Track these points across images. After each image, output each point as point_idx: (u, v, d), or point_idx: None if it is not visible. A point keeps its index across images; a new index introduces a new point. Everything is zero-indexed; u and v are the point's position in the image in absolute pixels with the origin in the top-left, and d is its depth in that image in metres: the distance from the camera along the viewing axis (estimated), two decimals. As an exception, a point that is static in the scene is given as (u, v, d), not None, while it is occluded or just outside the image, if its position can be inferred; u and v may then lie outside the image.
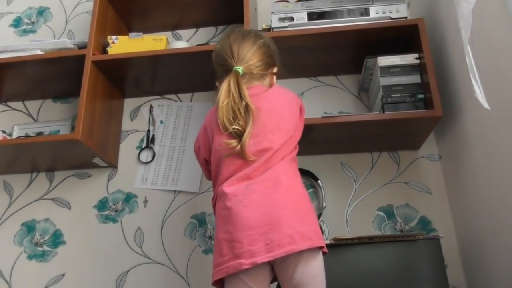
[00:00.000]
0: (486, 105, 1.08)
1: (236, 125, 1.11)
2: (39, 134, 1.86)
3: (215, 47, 1.29)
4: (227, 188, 1.10)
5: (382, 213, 1.60)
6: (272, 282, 1.11)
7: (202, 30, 1.98)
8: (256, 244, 1.02)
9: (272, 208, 1.05)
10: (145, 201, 1.76)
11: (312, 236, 1.04)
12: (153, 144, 1.83)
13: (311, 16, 1.57)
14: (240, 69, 1.16)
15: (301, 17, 1.58)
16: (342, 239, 1.29)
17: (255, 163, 1.10)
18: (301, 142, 1.24)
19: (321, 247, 1.08)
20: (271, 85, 1.25)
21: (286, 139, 1.15)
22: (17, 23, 2.15)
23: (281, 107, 1.19)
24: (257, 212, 1.05)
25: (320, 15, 1.57)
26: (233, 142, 1.11)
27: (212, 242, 1.66)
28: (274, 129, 1.14)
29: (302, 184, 1.17)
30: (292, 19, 1.58)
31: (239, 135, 1.12)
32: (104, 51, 1.72)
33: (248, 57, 1.19)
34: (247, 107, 1.12)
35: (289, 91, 1.28)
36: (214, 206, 1.19)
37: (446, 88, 1.48)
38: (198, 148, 1.27)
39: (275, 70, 1.26)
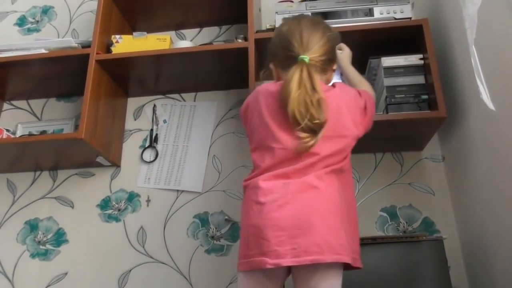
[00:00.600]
0: (491, 106, 1.07)
1: (310, 120, 1.04)
2: (43, 132, 1.86)
3: (278, 29, 1.23)
4: (264, 183, 1.07)
5: (385, 214, 1.60)
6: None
7: (205, 30, 1.98)
8: (284, 246, 1.00)
9: (305, 212, 1.02)
10: (148, 200, 1.76)
11: (340, 250, 1.01)
12: (156, 143, 1.84)
13: (315, 16, 1.57)
14: (307, 58, 1.08)
15: (305, 17, 1.57)
16: (345, 240, 1.28)
17: (298, 164, 1.06)
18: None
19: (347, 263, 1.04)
20: (328, 82, 1.18)
21: (335, 149, 1.08)
22: (21, 22, 2.15)
23: (340, 112, 1.11)
24: (290, 214, 1.02)
25: (324, 15, 1.57)
26: (307, 138, 1.04)
27: (215, 242, 1.66)
28: (331, 137, 1.07)
29: (348, 195, 1.12)
30: (296, 19, 1.58)
31: (312, 130, 1.05)
32: (108, 50, 1.72)
33: (316, 48, 1.11)
34: (319, 101, 1.05)
35: (351, 91, 1.18)
36: (245, 187, 1.14)
37: (450, 89, 1.48)
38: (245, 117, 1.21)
39: (335, 67, 1.20)
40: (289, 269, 1.07)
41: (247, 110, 1.18)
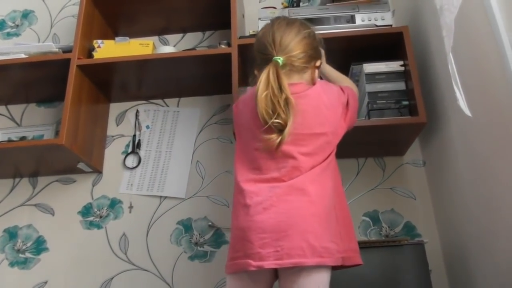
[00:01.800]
0: (468, 112, 1.09)
1: (276, 119, 1.05)
2: (22, 138, 1.82)
3: (257, 33, 1.24)
4: (248, 185, 1.08)
5: (367, 219, 1.61)
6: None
7: (189, 35, 1.98)
8: (267, 249, 1.01)
9: (290, 215, 1.03)
10: (131, 207, 1.74)
11: (323, 253, 1.01)
12: (139, 149, 1.82)
13: (298, 23, 1.58)
14: (280, 59, 1.08)
15: (287, 24, 1.58)
16: (328, 245, 1.29)
17: (284, 168, 1.07)
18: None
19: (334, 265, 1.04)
20: (313, 80, 1.17)
21: (316, 147, 1.09)
22: (1, 26, 2.12)
23: (319, 110, 1.11)
24: (274, 217, 1.03)
25: (307, 22, 1.58)
26: (273, 136, 1.05)
27: (198, 248, 1.65)
28: (307, 134, 1.09)
29: (340, 192, 1.13)
30: (279, 25, 1.59)
31: (279, 129, 1.06)
32: (90, 55, 1.70)
33: (291, 47, 1.11)
34: (286, 100, 1.06)
35: (333, 88, 1.19)
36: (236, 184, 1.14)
37: (430, 95, 1.51)
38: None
39: (318, 63, 1.18)
40: (276, 272, 1.07)
41: (238, 105, 1.20)
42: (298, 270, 1.02)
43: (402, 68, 1.51)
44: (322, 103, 1.12)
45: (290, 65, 1.11)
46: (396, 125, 1.44)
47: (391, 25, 1.55)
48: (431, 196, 1.60)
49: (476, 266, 1.28)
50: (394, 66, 1.52)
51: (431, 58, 1.50)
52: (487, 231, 1.21)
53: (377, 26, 1.55)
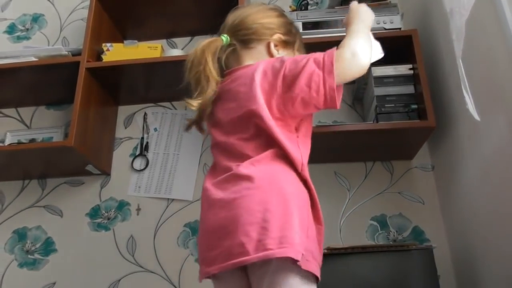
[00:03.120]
0: (476, 116, 1.08)
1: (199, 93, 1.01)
2: (32, 141, 1.84)
3: None
4: (205, 183, 1.01)
5: (375, 223, 1.60)
6: None
7: (197, 39, 1.98)
8: (214, 251, 0.89)
9: (232, 209, 0.88)
10: (138, 209, 1.74)
11: (272, 245, 0.83)
12: (147, 151, 1.83)
13: (306, 26, 1.58)
14: (224, 36, 1.05)
15: (296, 27, 1.58)
16: (335, 249, 1.28)
17: (231, 158, 0.96)
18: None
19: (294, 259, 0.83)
20: (262, 55, 1.06)
21: (251, 131, 0.96)
22: (11, 29, 2.14)
23: (250, 88, 0.97)
24: (219, 213, 0.90)
25: (315, 25, 1.58)
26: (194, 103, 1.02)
27: (205, 251, 1.65)
28: (238, 116, 0.98)
29: (289, 181, 0.94)
30: (287, 28, 1.59)
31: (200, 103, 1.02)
32: (99, 58, 1.72)
33: (230, 24, 1.07)
34: (207, 77, 1.01)
35: (272, 62, 0.99)
36: None
37: (439, 99, 1.49)
38: None
39: (275, 37, 1.06)
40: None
41: None
42: (262, 267, 0.86)
43: (411, 72, 1.51)
44: (257, 79, 0.99)
45: (233, 42, 1.07)
46: (404, 129, 1.43)
47: (399, 29, 1.55)
48: (440, 200, 1.59)
49: (486, 272, 1.27)
50: (403, 69, 1.51)
51: (440, 61, 1.49)
52: (497, 236, 1.19)
53: (385, 29, 1.54)
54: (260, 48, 1.06)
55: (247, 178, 0.91)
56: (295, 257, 0.83)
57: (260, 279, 0.88)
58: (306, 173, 0.99)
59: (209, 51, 1.02)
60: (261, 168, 0.93)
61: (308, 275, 0.87)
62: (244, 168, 0.93)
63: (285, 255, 0.83)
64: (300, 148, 0.99)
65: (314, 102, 0.94)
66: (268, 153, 0.95)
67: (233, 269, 0.89)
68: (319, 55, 0.96)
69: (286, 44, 1.09)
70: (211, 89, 1.01)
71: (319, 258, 0.92)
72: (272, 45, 1.06)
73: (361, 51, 0.96)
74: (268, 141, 0.95)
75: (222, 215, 0.90)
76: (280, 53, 1.07)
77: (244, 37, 1.05)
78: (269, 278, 0.86)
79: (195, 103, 1.02)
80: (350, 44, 0.97)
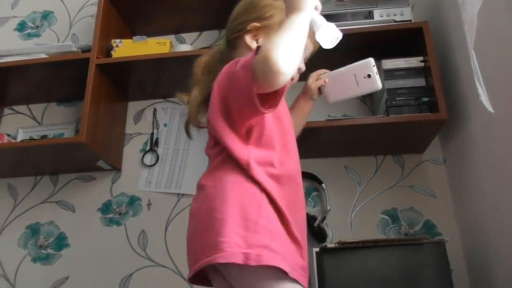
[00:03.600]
0: (490, 108, 1.07)
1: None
2: (44, 137, 1.86)
3: None
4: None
5: (386, 217, 1.59)
6: None
7: (205, 34, 1.98)
8: (189, 258, 0.95)
9: (194, 220, 0.97)
10: (149, 204, 1.76)
11: (201, 255, 0.87)
12: (157, 147, 1.83)
13: (315, 19, 1.57)
14: (222, 44, 1.06)
15: (305, 20, 1.57)
16: (346, 243, 1.28)
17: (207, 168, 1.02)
18: (305, 145, 1.21)
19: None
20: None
21: (211, 138, 1.01)
22: (21, 27, 2.16)
23: (212, 97, 0.96)
24: (190, 223, 0.98)
25: (324, 18, 1.56)
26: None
27: (216, 245, 1.66)
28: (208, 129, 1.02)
29: (231, 181, 0.92)
30: (295, 22, 1.58)
31: None
32: (108, 55, 1.72)
33: (227, 27, 1.04)
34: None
35: (228, 65, 0.94)
36: None
37: (451, 91, 1.48)
38: None
39: (249, 27, 0.99)
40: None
41: None
42: (227, 274, 0.90)
43: (422, 64, 1.49)
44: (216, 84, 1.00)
45: (227, 45, 1.06)
46: (415, 122, 1.41)
47: (410, 21, 1.53)
48: (452, 194, 1.57)
49: (498, 266, 1.26)
50: (414, 62, 1.49)
51: (452, 53, 1.47)
52: (509, 230, 1.18)
53: (396, 21, 1.53)
54: (241, 45, 1.02)
55: (202, 187, 0.97)
56: (232, 260, 0.82)
57: (233, 284, 0.91)
58: (257, 174, 0.91)
59: (199, 67, 1.11)
60: (212, 175, 0.96)
61: (274, 270, 0.83)
62: (203, 178, 1.00)
63: (215, 261, 0.84)
64: (248, 147, 0.94)
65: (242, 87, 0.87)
66: (220, 157, 0.96)
67: (216, 272, 0.93)
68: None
69: (266, 28, 1.01)
70: (192, 105, 1.09)
71: (285, 249, 0.87)
72: (247, 38, 1.00)
73: (277, 58, 0.81)
74: (220, 146, 0.96)
75: (190, 225, 0.98)
76: (261, 41, 0.99)
77: (229, 39, 1.04)
78: (234, 282, 0.90)
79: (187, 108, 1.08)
80: (267, 48, 0.83)
